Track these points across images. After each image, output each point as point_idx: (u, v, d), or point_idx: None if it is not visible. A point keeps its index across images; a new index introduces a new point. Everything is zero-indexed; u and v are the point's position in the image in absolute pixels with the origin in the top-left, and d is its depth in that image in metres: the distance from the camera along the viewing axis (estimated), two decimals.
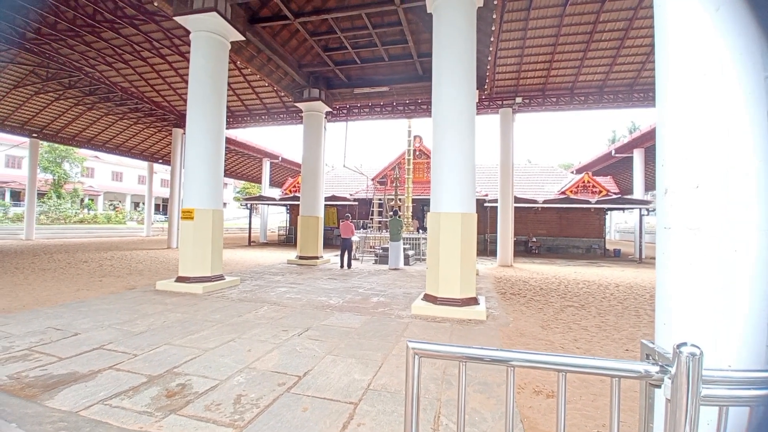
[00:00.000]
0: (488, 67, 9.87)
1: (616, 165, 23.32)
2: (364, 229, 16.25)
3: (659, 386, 1.13)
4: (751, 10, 1.62)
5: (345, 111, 15.36)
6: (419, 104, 14.44)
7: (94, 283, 7.66)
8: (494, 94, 13.37)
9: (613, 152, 20.25)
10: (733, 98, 1.60)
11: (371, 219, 17.46)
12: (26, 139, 19.07)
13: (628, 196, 20.51)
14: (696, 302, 1.62)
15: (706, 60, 1.66)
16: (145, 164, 26.34)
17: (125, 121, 19.23)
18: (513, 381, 1.24)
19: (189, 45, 7.69)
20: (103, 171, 40.97)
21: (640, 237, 16.83)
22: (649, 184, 20.38)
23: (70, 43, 11.85)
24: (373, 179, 21.60)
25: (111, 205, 38.83)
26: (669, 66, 1.79)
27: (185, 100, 14.52)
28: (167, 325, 4.64)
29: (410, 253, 12.69)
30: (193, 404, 2.69)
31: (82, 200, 35.55)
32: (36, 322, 4.61)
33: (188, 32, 7.70)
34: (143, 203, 34.37)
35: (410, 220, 15.22)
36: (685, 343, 1.04)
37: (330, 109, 13.16)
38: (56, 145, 28.63)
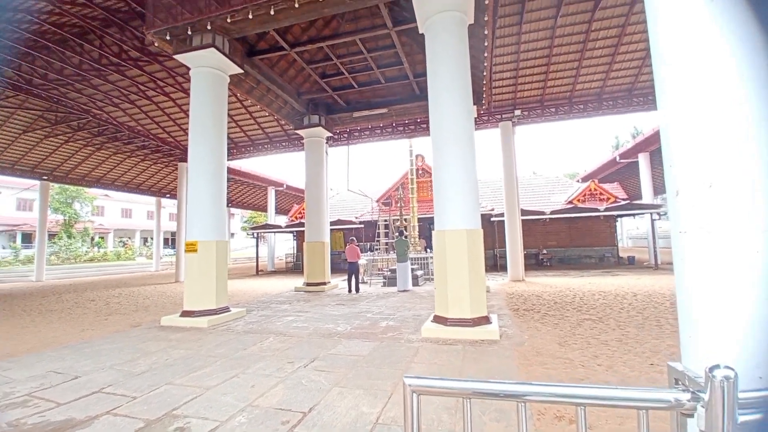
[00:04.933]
0: (484, 82, 9.92)
1: (621, 171, 23.10)
2: (371, 251, 16.10)
3: (692, 415, 0.99)
4: (755, 2, 1.54)
5: (346, 135, 15.51)
6: (418, 123, 14.53)
7: (100, 322, 7.58)
8: (493, 108, 13.42)
9: (617, 158, 20.12)
10: (740, 92, 1.50)
11: (378, 241, 17.32)
12: (37, 182, 19.52)
13: (638, 201, 20.17)
14: (723, 313, 1.46)
15: (707, 56, 1.55)
16: (153, 200, 26.74)
17: (133, 158, 19.67)
18: (526, 417, 1.09)
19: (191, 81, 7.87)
20: (113, 208, 41.68)
21: (654, 243, 16.41)
22: (658, 188, 20.05)
23: (78, 87, 12.26)
24: (377, 201, 21.62)
25: (120, 241, 39.24)
26: (667, 66, 1.70)
27: None
28: (169, 363, 4.50)
29: (419, 273, 12.46)
30: None
31: (92, 238, 36.00)
32: (38, 366, 4.52)
33: (189, 69, 7.89)
34: (152, 238, 34.69)
35: (417, 239, 15.04)
36: (717, 366, 0.91)
37: (331, 134, 13.30)
38: (67, 186, 29.23)
